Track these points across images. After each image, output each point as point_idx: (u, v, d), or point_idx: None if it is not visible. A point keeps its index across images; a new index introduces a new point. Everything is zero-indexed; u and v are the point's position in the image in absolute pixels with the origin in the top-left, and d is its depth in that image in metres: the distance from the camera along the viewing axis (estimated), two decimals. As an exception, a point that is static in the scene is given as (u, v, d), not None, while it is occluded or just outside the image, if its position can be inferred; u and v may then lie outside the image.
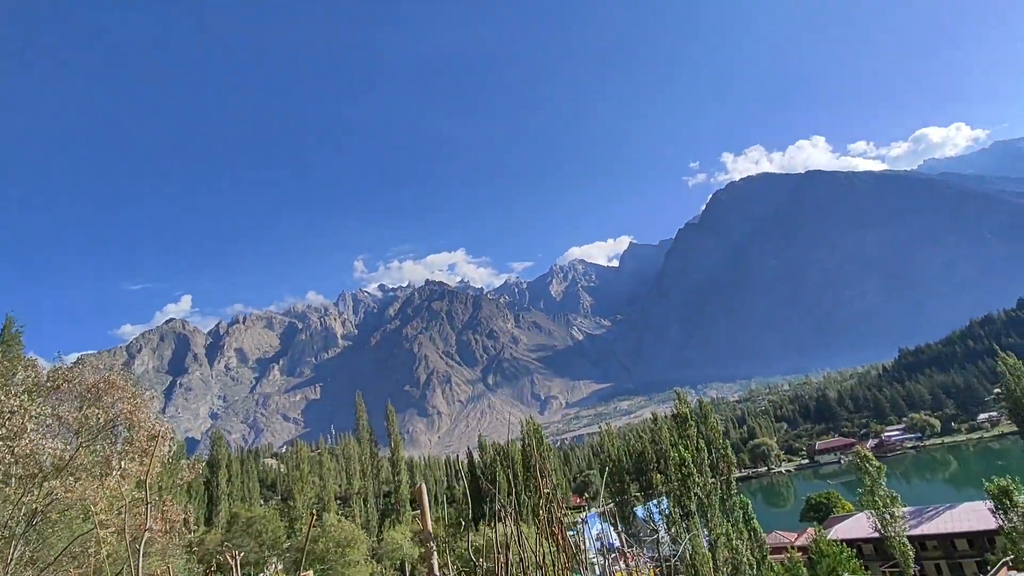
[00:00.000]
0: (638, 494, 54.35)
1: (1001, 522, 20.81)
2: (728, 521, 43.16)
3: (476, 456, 76.11)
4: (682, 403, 48.45)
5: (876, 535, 32.70)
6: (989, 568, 36.32)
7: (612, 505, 51.58)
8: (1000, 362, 61.13)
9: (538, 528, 4.30)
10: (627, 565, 4.75)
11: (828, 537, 50.48)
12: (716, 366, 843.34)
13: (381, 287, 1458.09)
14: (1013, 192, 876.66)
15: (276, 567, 43.29)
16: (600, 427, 65.60)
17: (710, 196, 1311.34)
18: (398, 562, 53.13)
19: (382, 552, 52.85)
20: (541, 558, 4.10)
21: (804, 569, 45.77)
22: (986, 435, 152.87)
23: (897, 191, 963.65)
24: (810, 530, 59.25)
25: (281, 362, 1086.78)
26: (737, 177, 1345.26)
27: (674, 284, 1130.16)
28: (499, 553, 4.09)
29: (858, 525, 52.56)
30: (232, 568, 4.65)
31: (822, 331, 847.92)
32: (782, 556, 48.54)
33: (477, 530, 40.22)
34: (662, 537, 42.46)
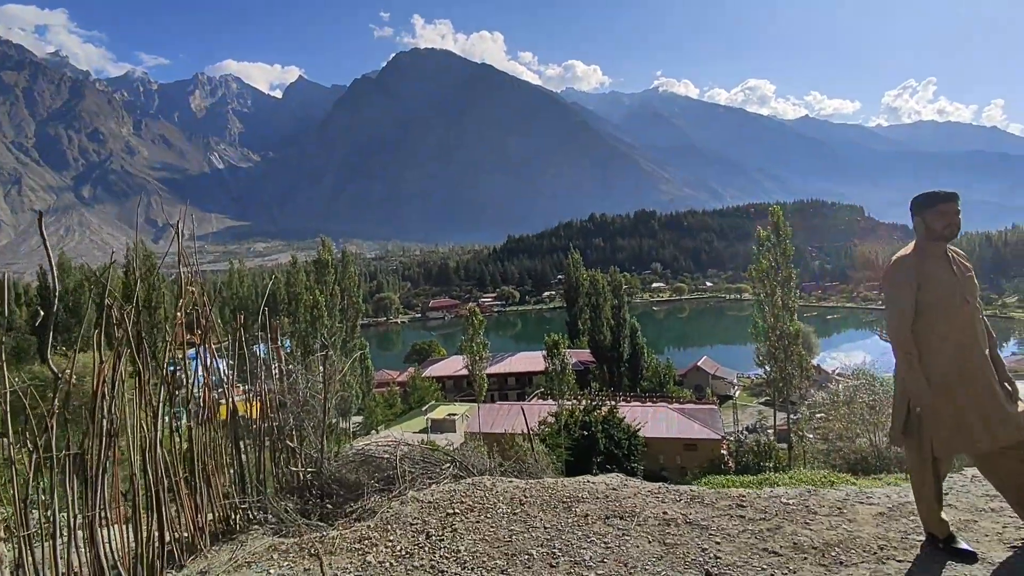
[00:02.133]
0: (261, 333, 53.89)
1: (547, 365, 29.05)
2: (346, 360, 47.19)
3: (53, 279, 60.65)
4: (326, 250, 48.61)
5: (464, 373, 41.82)
6: (526, 397, 50.65)
7: (228, 342, 49.61)
8: (569, 256, 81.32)
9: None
10: (231, 398, 4.69)
11: (424, 374, 60.97)
12: (362, 223, 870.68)
13: None
14: (610, 134, 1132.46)
15: None
16: (231, 263, 60.66)
17: (393, 55, 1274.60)
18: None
19: None
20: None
21: (399, 398, 54.89)
22: (545, 307, 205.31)
23: (542, 106, 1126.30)
24: (411, 369, 70.17)
25: None
26: (423, 45, 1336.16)
27: (339, 135, 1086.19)
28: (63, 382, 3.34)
29: (450, 365, 65.04)
30: None
31: (458, 210, 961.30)
32: (384, 389, 56.63)
33: (44, 361, 33.08)
34: (276, 373, 43.53)
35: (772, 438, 35.22)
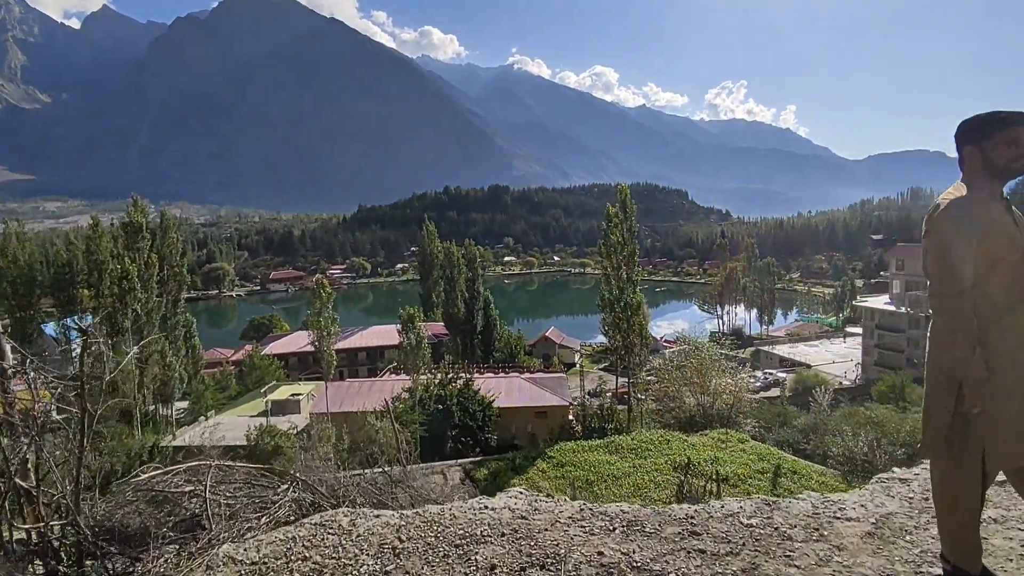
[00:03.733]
0: (52, 309, 45.67)
1: (402, 339, 27.91)
2: (168, 339, 41.26)
3: None
4: (139, 211, 41.49)
5: (310, 349, 38.72)
6: (378, 372, 48.85)
7: (7, 321, 40.90)
8: (424, 227, 79.64)
9: None
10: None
11: (264, 352, 55.92)
12: (187, 185, 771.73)
13: None
14: (467, 107, 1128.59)
15: None
16: (5, 223, 49.23)
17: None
18: None
19: None
20: None
21: (233, 379, 49.78)
22: (398, 279, 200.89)
23: (398, 72, 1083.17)
24: (248, 347, 64.00)
25: None
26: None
27: (158, 82, 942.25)
28: None
29: (293, 341, 60.36)
30: None
31: (305, 177, 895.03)
32: (216, 370, 50.87)
33: None
34: (75, 355, 36.79)
35: (612, 401, 38.02)
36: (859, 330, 70.31)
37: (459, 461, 21.77)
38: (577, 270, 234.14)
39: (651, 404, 32.70)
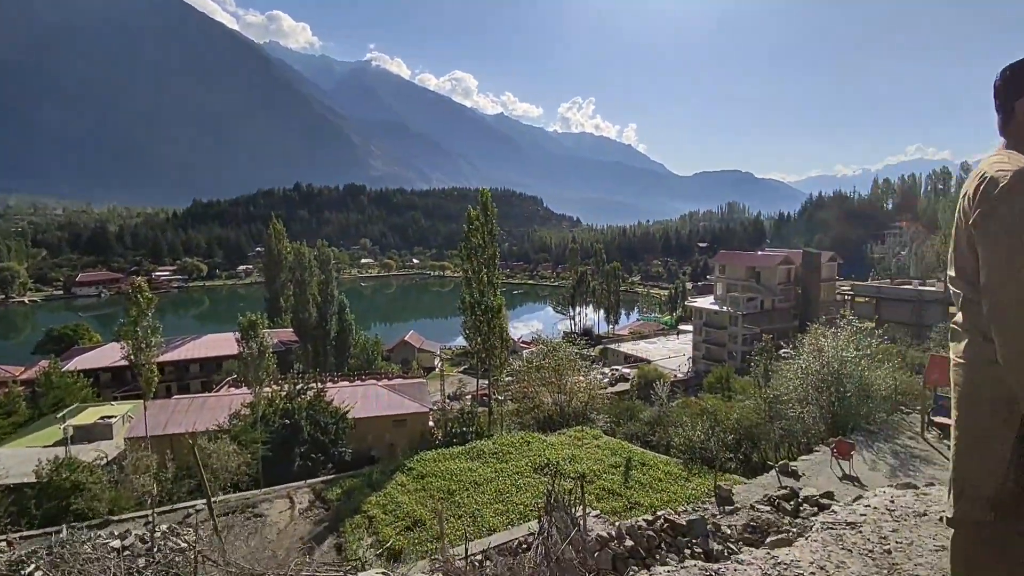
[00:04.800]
0: None
1: (242, 348, 24.88)
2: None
3: None
4: None
5: (124, 363, 32.97)
6: (214, 386, 43.59)
7: None
8: (271, 226, 73.24)
9: None
10: None
11: (66, 368, 47.21)
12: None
13: None
14: (320, 101, 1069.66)
15: None
16: None
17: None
18: None
19: None
20: None
21: (23, 402, 41.18)
22: (240, 282, 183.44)
23: (242, 57, 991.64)
24: (44, 363, 53.60)
25: None
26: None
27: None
28: None
29: (106, 354, 51.70)
30: None
31: (125, 165, 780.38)
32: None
33: None
34: None
35: (472, 404, 37.90)
36: (690, 327, 78.43)
37: (308, 481, 19.90)
38: (437, 273, 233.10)
39: (511, 405, 33.12)
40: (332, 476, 21.32)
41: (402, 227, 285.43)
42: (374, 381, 40.49)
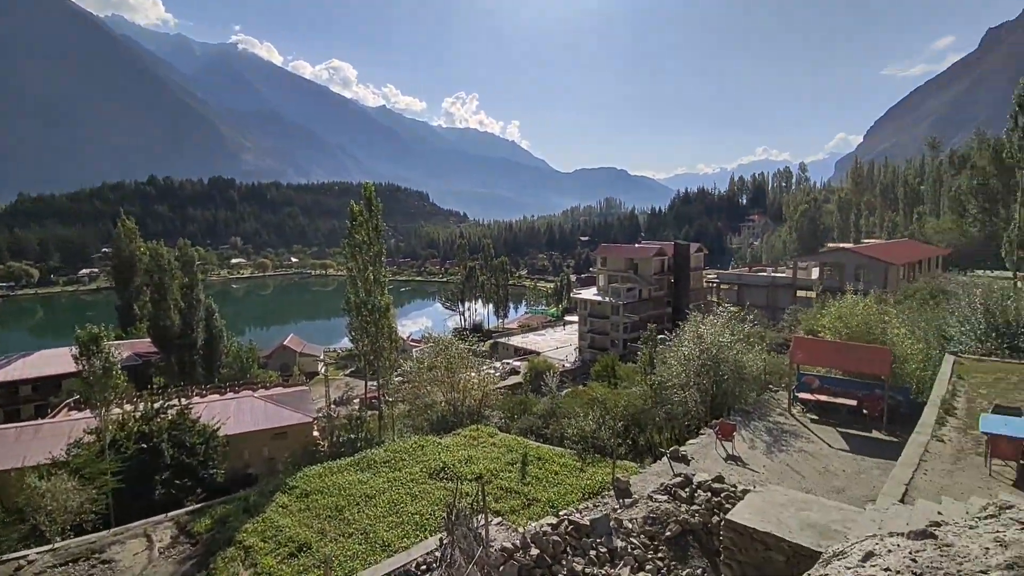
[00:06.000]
0: None
1: (83, 366, 21.24)
2: None
3: None
4: None
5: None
6: (50, 410, 37.46)
7: None
8: (120, 224, 64.69)
9: None
10: None
11: None
12: None
13: None
14: (179, 85, 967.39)
15: None
16: None
17: None
18: None
19: None
20: None
21: None
22: (82, 288, 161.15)
23: (79, 32, 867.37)
24: None
25: None
26: None
27: None
28: None
29: None
30: None
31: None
32: None
33: None
34: None
35: (361, 409, 36.10)
36: (576, 318, 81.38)
37: (171, 514, 17.46)
38: (319, 272, 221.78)
39: (403, 407, 31.91)
40: (202, 504, 18.98)
41: (278, 224, 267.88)
42: (249, 392, 37.13)
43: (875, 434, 16.40)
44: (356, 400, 49.30)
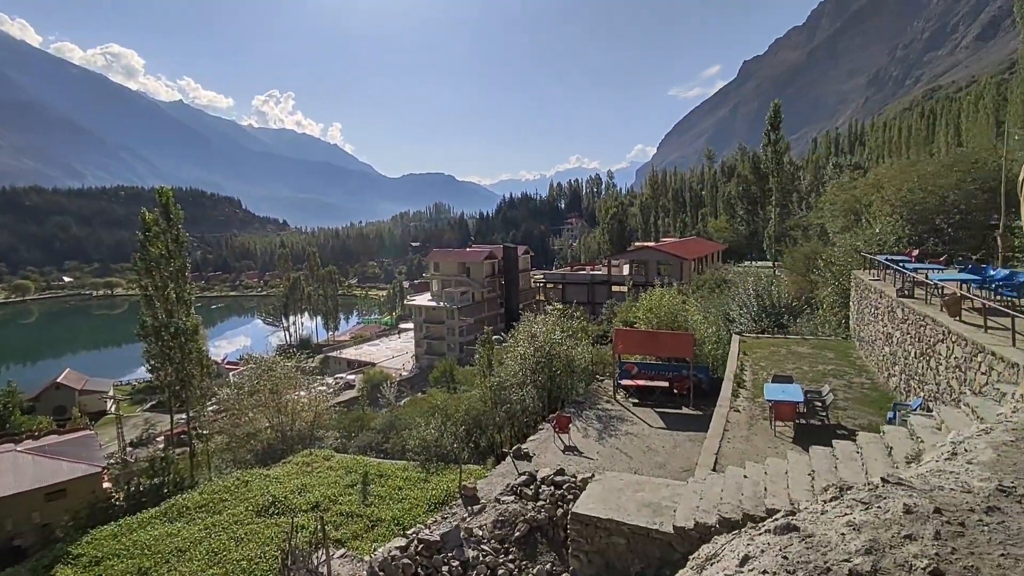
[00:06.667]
0: None
1: None
2: None
3: None
4: None
5: None
6: None
7: None
8: None
9: None
10: None
11: None
12: None
13: None
14: None
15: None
16: None
17: None
18: None
19: None
20: None
21: None
22: None
23: None
24: None
25: None
26: None
27: None
28: None
29: None
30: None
31: None
32: None
33: None
34: None
35: (166, 448, 31.26)
36: (411, 325, 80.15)
37: None
38: (102, 292, 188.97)
39: (221, 440, 28.28)
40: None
41: (44, 237, 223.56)
42: (10, 445, 29.87)
43: (685, 410, 18.57)
44: (160, 438, 42.64)
